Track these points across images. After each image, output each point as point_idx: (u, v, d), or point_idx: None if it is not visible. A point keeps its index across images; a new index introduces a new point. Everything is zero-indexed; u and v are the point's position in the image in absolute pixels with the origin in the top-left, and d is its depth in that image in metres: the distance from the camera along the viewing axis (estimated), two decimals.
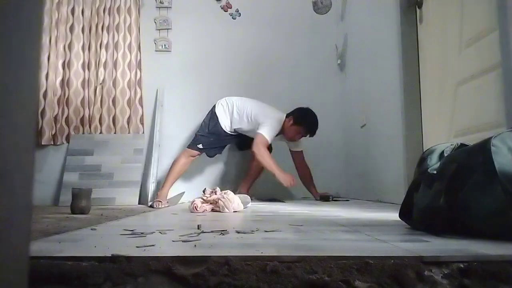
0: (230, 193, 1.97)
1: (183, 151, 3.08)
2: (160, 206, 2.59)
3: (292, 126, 2.94)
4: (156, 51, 3.71)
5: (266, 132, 2.85)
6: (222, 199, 1.88)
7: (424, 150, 1.43)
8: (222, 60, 3.73)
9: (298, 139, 3.05)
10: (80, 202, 2.04)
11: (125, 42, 3.62)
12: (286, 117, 2.98)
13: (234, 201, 1.91)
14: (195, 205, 1.88)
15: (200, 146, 3.00)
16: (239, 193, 3.16)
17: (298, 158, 3.16)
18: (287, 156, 3.21)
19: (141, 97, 3.60)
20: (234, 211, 1.86)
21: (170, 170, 3.00)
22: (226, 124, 3.02)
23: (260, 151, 2.82)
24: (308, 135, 3.01)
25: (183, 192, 3.05)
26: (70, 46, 3.57)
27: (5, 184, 0.31)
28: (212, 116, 3.06)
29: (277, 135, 2.97)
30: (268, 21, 3.77)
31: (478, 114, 1.71)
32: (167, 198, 2.87)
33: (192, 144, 3.04)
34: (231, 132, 3.05)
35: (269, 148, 2.97)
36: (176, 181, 3.02)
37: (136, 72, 3.61)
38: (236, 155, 3.53)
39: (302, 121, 2.94)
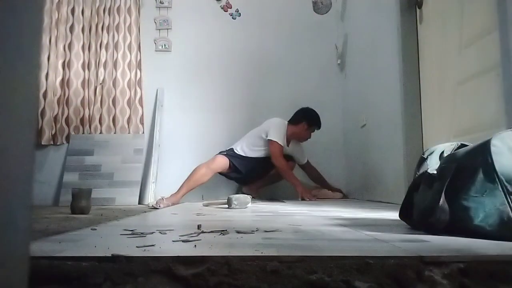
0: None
1: (208, 161, 2.98)
2: (160, 206, 2.55)
3: (297, 126, 3.07)
4: (156, 51, 3.71)
5: (274, 135, 2.96)
6: None
7: (424, 150, 1.43)
8: (222, 60, 3.73)
9: (309, 136, 3.15)
10: (80, 202, 2.04)
11: (125, 42, 3.62)
12: (289, 124, 3.10)
13: None
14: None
15: (225, 153, 3.02)
16: (242, 192, 3.17)
17: (309, 168, 3.32)
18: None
19: (141, 97, 3.60)
20: None
21: (188, 177, 2.86)
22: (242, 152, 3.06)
23: (281, 164, 2.97)
24: (315, 129, 3.14)
25: None
26: (70, 46, 3.57)
27: (5, 184, 0.31)
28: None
29: (288, 144, 3.08)
30: (268, 21, 3.77)
31: (478, 114, 1.71)
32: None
33: (220, 152, 3.05)
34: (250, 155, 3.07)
35: (289, 160, 3.11)
36: (192, 189, 2.88)
37: (136, 72, 3.62)
38: None
39: (302, 117, 3.09)
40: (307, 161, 3.31)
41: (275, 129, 3.00)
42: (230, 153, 3.03)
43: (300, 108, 3.15)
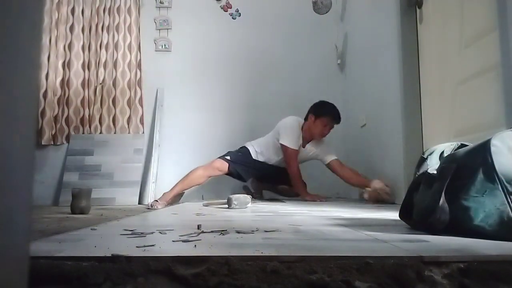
0: None
1: (206, 164, 2.86)
2: (157, 207, 2.54)
3: (315, 121, 2.81)
4: (156, 51, 3.71)
5: (286, 140, 2.77)
6: None
7: (424, 150, 1.43)
8: (222, 60, 3.73)
9: (328, 131, 2.85)
10: (80, 202, 2.04)
11: (125, 42, 3.62)
12: (305, 120, 2.88)
13: None
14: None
15: (228, 157, 2.85)
16: (245, 191, 3.17)
17: (337, 167, 2.86)
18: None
19: (141, 97, 3.60)
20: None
21: (184, 177, 2.81)
22: (254, 152, 2.92)
23: (293, 171, 2.77)
24: (334, 123, 2.82)
25: (182, 193, 3.04)
26: (70, 46, 3.58)
27: (5, 184, 0.31)
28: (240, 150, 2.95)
29: (308, 142, 2.88)
30: (268, 21, 3.77)
31: (478, 114, 1.71)
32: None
33: (220, 157, 2.88)
34: (259, 159, 2.91)
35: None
36: (185, 190, 2.83)
37: (136, 72, 3.62)
38: None
39: (321, 110, 2.82)
40: (335, 159, 2.88)
41: (286, 131, 2.80)
42: (233, 159, 2.86)
43: (314, 103, 2.90)
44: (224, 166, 2.84)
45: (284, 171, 2.87)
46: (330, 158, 2.88)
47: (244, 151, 2.92)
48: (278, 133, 2.84)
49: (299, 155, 2.87)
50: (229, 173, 2.90)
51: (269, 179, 3.04)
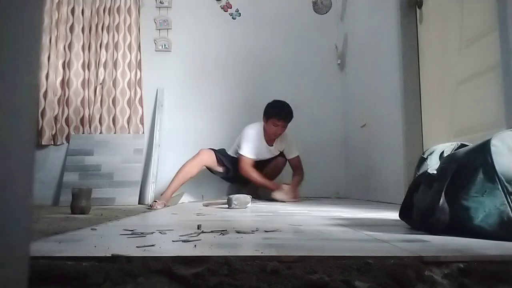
0: None
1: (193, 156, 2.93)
2: (157, 207, 2.53)
3: (267, 122, 2.91)
4: (156, 51, 3.71)
5: (242, 148, 2.92)
6: None
7: (424, 150, 1.43)
8: (222, 60, 3.73)
9: (282, 131, 2.94)
10: (80, 202, 2.04)
11: (125, 42, 3.62)
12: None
13: None
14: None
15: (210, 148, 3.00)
16: (243, 192, 3.16)
17: (294, 164, 3.08)
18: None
19: (141, 97, 3.60)
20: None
21: (176, 173, 2.84)
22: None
23: (246, 173, 2.89)
24: (284, 121, 2.88)
25: (183, 193, 3.04)
26: (70, 46, 3.57)
27: (5, 184, 0.31)
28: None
29: (271, 144, 2.99)
30: (268, 21, 3.77)
31: (478, 114, 1.71)
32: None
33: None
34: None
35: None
36: (182, 184, 2.85)
37: (136, 72, 3.62)
38: None
39: (268, 111, 2.91)
40: (296, 157, 3.07)
41: (243, 140, 2.93)
42: (218, 150, 3.02)
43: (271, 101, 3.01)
44: (210, 152, 2.97)
45: (257, 163, 3.00)
46: (292, 155, 3.07)
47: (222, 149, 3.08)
48: (239, 142, 2.99)
49: (270, 151, 3.03)
50: (218, 166, 3.00)
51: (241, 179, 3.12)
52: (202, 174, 3.48)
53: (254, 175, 2.91)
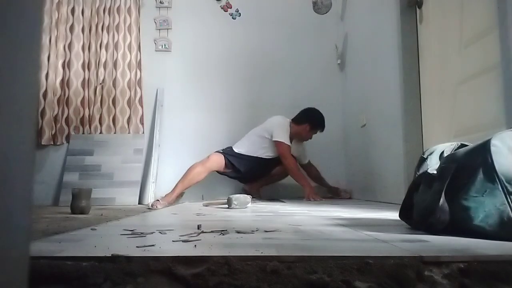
0: None
1: (203, 159, 2.93)
2: (157, 207, 2.52)
3: (300, 126, 3.04)
4: (156, 51, 3.71)
5: (280, 136, 2.94)
6: None
7: (424, 150, 1.43)
8: (222, 60, 3.73)
9: (310, 137, 3.12)
10: (80, 202, 2.04)
11: (125, 42, 3.62)
12: (292, 122, 3.07)
13: None
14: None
15: (221, 150, 2.99)
16: (243, 190, 3.17)
17: (309, 167, 3.30)
18: None
19: (141, 97, 3.60)
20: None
21: (183, 176, 2.84)
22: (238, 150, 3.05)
23: (290, 164, 2.94)
24: (318, 131, 3.10)
25: (183, 193, 3.04)
26: (70, 46, 3.57)
27: (5, 184, 0.31)
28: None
29: (291, 141, 3.03)
30: (268, 21, 3.77)
31: (478, 114, 1.71)
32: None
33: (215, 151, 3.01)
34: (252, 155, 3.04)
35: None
36: (187, 188, 2.85)
37: (136, 72, 3.62)
38: None
39: (306, 118, 3.06)
40: (309, 161, 3.30)
41: (280, 129, 2.97)
42: (227, 151, 3.00)
43: (305, 108, 3.10)
44: (221, 157, 2.95)
45: (271, 160, 3.03)
46: (306, 159, 3.29)
47: (230, 149, 3.07)
48: (267, 130, 3.00)
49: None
50: (225, 170, 3.00)
51: (260, 170, 3.11)
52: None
53: (294, 163, 2.98)
